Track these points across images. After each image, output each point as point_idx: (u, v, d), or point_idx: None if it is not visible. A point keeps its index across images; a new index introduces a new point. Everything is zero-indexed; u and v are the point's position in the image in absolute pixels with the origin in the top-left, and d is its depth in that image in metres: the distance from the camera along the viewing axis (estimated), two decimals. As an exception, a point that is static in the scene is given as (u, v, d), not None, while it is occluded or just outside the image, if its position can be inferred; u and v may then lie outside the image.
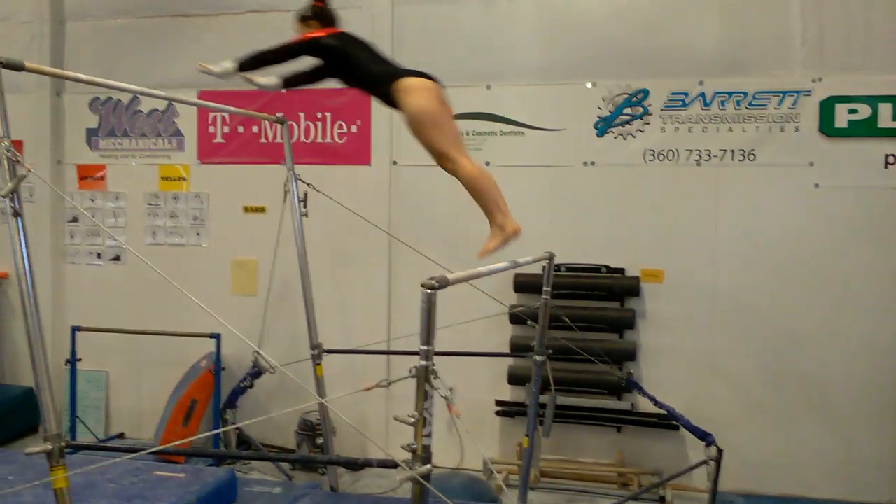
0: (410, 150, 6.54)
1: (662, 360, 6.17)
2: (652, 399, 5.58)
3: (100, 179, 7.40)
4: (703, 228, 6.10)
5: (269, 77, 4.47)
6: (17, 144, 2.90)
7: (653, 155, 6.17)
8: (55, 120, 7.42)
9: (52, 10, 7.34)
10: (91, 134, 7.42)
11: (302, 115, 6.83)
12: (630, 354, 6.09)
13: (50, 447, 2.90)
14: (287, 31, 6.72)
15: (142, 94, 4.15)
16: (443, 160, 3.79)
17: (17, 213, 2.97)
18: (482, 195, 3.78)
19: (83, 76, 3.88)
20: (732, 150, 6.03)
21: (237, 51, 6.43)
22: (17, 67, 3.15)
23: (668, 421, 5.78)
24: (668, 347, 6.15)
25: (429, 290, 2.36)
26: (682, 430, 5.57)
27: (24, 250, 2.98)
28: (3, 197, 2.93)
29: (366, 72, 3.99)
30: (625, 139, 6.21)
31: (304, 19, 4.32)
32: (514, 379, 6.26)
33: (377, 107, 6.59)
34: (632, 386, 5.87)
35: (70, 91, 7.45)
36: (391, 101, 3.89)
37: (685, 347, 6.13)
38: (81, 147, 7.43)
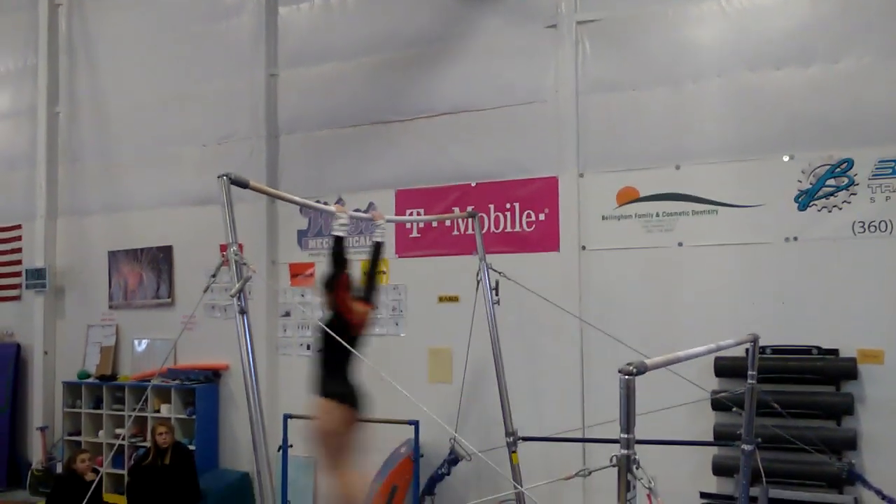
0: (599, 234, 6.60)
1: (888, 450, 5.60)
2: (878, 493, 5.18)
3: (309, 276, 7.99)
4: (927, 304, 5.58)
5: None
6: (240, 248, 3.29)
7: (863, 227, 5.77)
8: (270, 224, 8.18)
9: (267, 127, 8.20)
10: (301, 235, 8.09)
11: (492, 206, 7.06)
12: (850, 443, 5.60)
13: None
14: (476, 130, 7.15)
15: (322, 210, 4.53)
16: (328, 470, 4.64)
17: (243, 311, 3.29)
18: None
19: (297, 198, 4.35)
20: (955, 218, 5.54)
21: (433, 150, 6.95)
22: (244, 185, 3.57)
23: (899, 518, 5.28)
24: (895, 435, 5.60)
25: (627, 376, 2.34)
26: (917, 529, 5.14)
27: (249, 345, 3.28)
28: (232, 297, 3.27)
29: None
30: (830, 212, 5.87)
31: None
32: (720, 469, 5.93)
33: (564, 194, 6.72)
34: (854, 478, 5.41)
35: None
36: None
37: (915, 435, 5.55)
38: (293, 247, 8.11)
